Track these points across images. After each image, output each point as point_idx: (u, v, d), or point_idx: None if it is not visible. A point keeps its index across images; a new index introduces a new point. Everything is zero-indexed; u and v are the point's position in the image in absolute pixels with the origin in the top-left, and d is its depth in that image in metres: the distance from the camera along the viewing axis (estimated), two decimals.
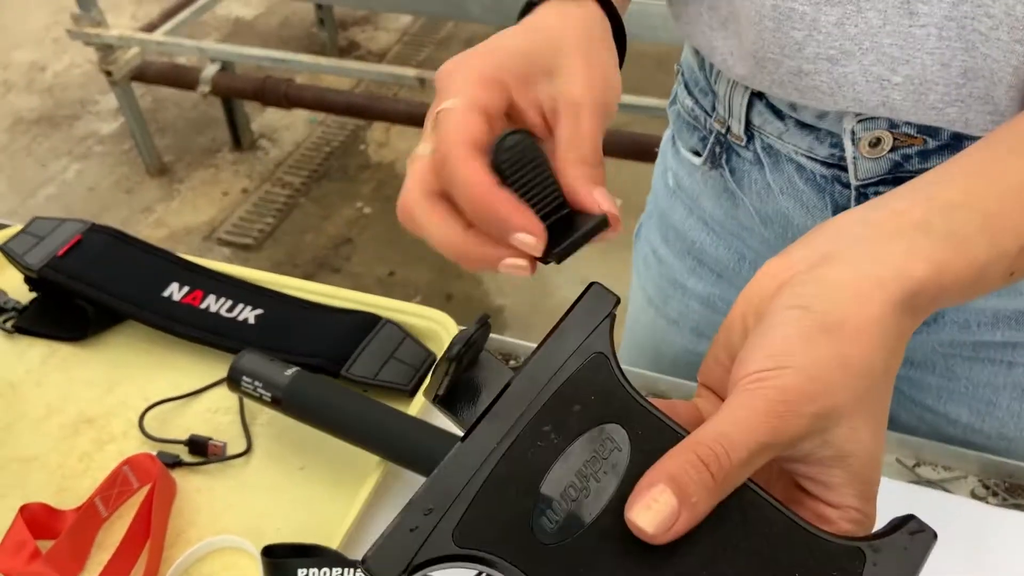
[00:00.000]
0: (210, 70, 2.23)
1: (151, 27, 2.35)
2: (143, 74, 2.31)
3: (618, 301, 0.34)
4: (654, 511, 0.27)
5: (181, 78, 2.31)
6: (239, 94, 2.32)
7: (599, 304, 0.34)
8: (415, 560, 0.28)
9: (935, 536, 0.30)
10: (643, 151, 2.01)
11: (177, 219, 2.32)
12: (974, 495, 0.57)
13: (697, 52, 0.57)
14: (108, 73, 2.23)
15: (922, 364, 0.60)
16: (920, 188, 0.34)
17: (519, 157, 0.34)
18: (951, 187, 0.33)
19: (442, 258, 0.39)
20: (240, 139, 2.54)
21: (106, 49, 2.21)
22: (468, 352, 0.32)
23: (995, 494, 0.57)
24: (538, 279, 2.09)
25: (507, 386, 0.32)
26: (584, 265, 2.16)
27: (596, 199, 0.35)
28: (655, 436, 0.30)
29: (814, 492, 0.31)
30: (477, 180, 0.33)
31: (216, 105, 2.53)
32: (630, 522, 0.28)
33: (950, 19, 0.42)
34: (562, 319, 0.33)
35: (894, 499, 0.55)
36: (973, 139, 0.47)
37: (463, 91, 0.36)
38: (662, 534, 0.27)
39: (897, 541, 0.29)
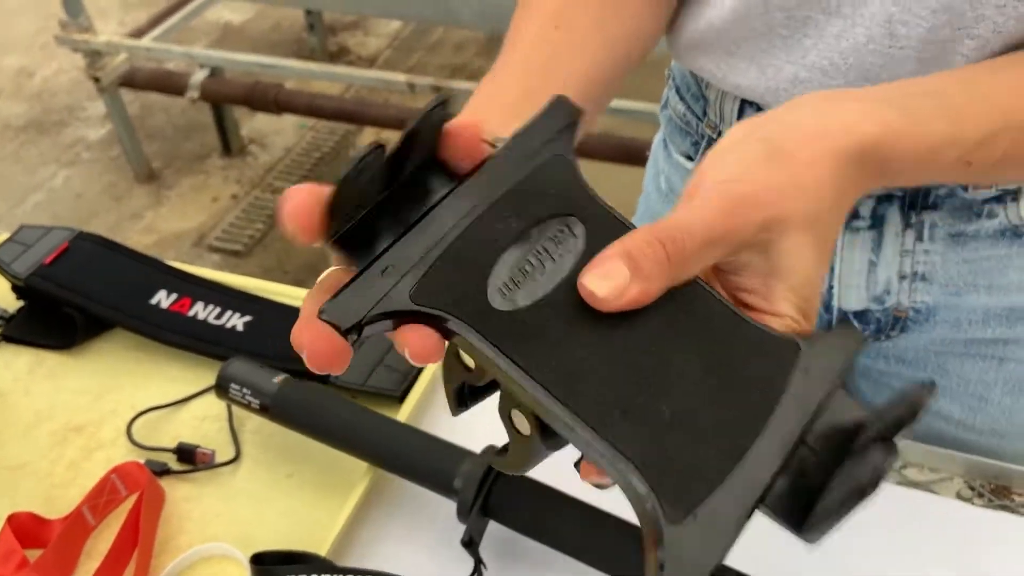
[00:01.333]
0: (199, 75, 2.23)
1: (139, 33, 2.34)
2: (131, 80, 2.30)
3: (581, 112, 0.34)
4: (607, 279, 0.28)
5: (170, 84, 2.30)
6: (229, 100, 2.31)
7: (560, 114, 0.34)
8: (372, 312, 0.29)
9: (864, 338, 0.33)
10: (632, 155, 2.01)
11: (166, 225, 2.31)
12: (960, 496, 0.57)
13: None
14: (96, 79, 2.22)
15: (914, 362, 0.61)
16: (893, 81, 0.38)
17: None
18: (922, 81, 0.37)
19: None
20: (229, 145, 2.53)
21: (94, 55, 2.21)
22: (363, 173, 0.30)
23: (980, 495, 0.57)
24: None
25: (469, 174, 0.32)
26: None
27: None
28: (612, 231, 0.31)
29: (755, 305, 0.32)
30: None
31: (205, 111, 2.52)
32: (582, 286, 0.29)
33: (930, 42, 0.42)
34: (522, 127, 0.33)
35: (880, 500, 0.56)
36: None
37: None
38: (612, 300, 0.28)
39: (830, 337, 0.31)
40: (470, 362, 0.31)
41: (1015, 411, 0.60)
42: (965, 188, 0.50)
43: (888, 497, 0.56)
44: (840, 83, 0.46)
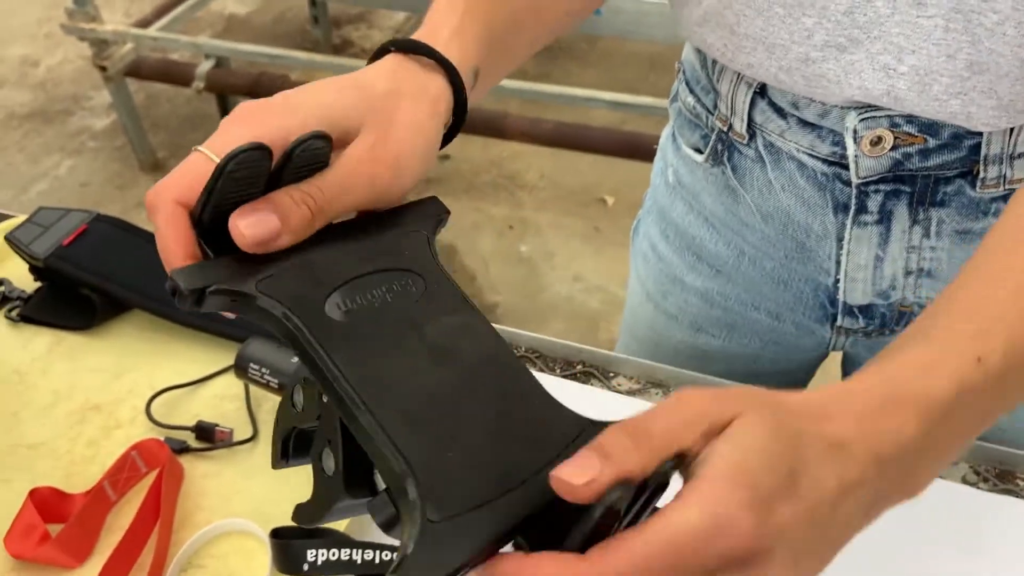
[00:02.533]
0: (205, 66, 2.24)
1: (145, 23, 2.35)
2: (137, 70, 2.31)
3: (448, 212, 0.40)
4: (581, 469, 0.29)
5: (176, 74, 2.31)
6: (234, 90, 2.32)
7: (434, 208, 0.40)
8: (217, 284, 0.33)
9: None
10: (636, 149, 2.02)
11: None
12: (965, 481, 0.58)
13: (699, 50, 0.58)
14: (103, 68, 2.23)
15: None
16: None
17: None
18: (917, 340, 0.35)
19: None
20: None
21: (100, 44, 2.21)
22: (242, 166, 0.33)
23: (986, 480, 0.58)
24: (532, 274, 2.10)
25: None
26: (576, 262, 2.17)
27: (249, 210, 0.34)
28: (448, 292, 0.36)
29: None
30: (161, 234, 0.35)
31: (209, 101, 2.52)
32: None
33: (957, 11, 0.43)
34: (401, 206, 0.39)
35: None
36: (973, 136, 0.48)
37: (224, 146, 0.34)
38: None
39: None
40: (299, 405, 0.36)
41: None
42: (973, 186, 0.51)
43: None
44: (860, 58, 0.46)
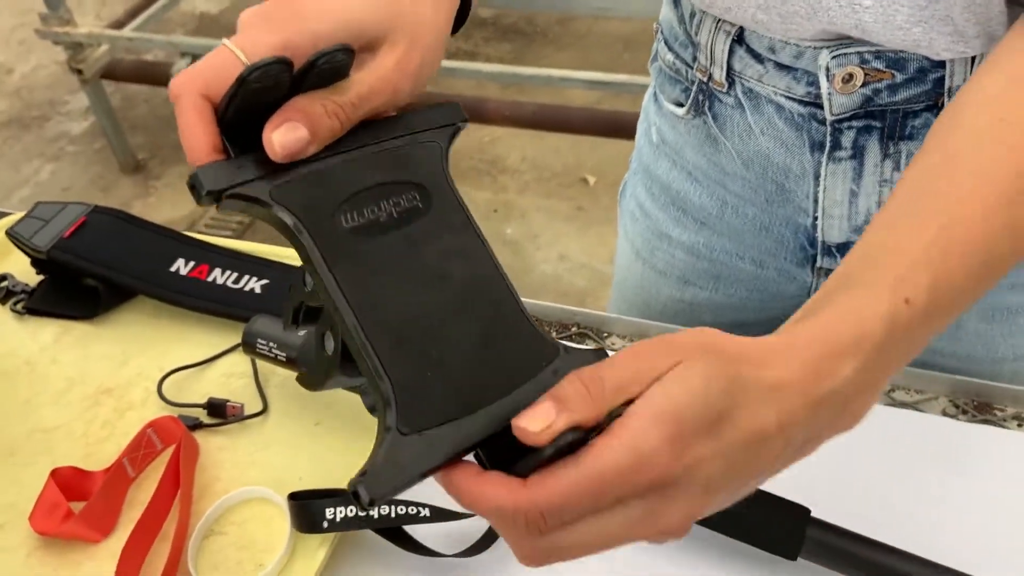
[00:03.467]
0: (181, 64, 2.24)
1: (118, 24, 2.35)
2: (114, 71, 2.31)
3: (467, 121, 0.41)
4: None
5: (152, 74, 2.31)
6: None
7: (453, 113, 0.41)
8: (234, 189, 0.35)
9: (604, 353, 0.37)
10: (615, 128, 2.05)
11: (155, 215, 2.32)
12: (945, 414, 0.61)
13: (676, 6, 0.61)
14: (79, 72, 2.23)
15: None
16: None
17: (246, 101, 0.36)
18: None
19: None
20: None
21: (75, 48, 2.21)
22: (263, 77, 0.34)
23: (964, 412, 0.61)
24: (518, 256, 2.13)
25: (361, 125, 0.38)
26: (561, 242, 2.19)
27: (280, 119, 0.36)
28: (453, 210, 0.38)
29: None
30: (188, 124, 0.36)
31: None
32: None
33: None
34: (418, 110, 0.40)
35: (873, 419, 0.59)
36: (937, 69, 0.51)
37: (251, 44, 0.36)
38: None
39: (587, 355, 0.37)
40: (310, 285, 0.37)
41: (990, 337, 0.64)
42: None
43: (878, 417, 0.60)
44: None
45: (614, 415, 0.33)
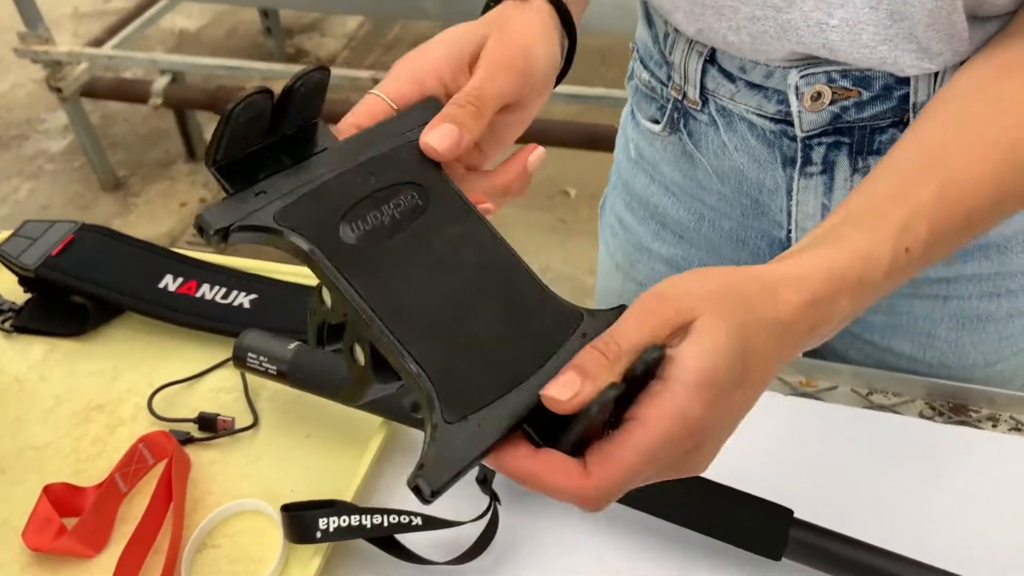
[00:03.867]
0: (161, 82, 2.24)
1: (97, 42, 2.34)
2: (93, 89, 2.30)
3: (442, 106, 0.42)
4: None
5: (132, 91, 2.31)
6: (192, 104, 2.32)
7: (431, 110, 0.42)
8: (240, 222, 0.36)
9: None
10: (595, 140, 2.07)
11: (136, 232, 2.28)
12: (922, 416, 0.63)
13: (650, 27, 0.63)
14: (58, 90, 2.22)
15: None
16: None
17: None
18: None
19: None
20: (194, 150, 2.54)
21: (54, 66, 2.20)
22: (247, 110, 0.36)
23: (941, 414, 0.63)
24: None
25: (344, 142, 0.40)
26: (544, 254, 2.21)
27: (430, 127, 0.41)
28: (453, 202, 0.39)
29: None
30: None
31: (167, 118, 2.52)
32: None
33: None
34: (396, 113, 0.42)
35: (852, 422, 0.61)
36: (902, 87, 0.53)
37: (387, 86, 0.43)
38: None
39: (606, 313, 0.38)
40: (328, 300, 0.38)
41: (960, 345, 0.66)
42: None
43: (858, 420, 0.62)
44: (795, 16, 0.50)
45: (647, 360, 0.34)
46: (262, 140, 0.38)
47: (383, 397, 0.60)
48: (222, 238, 0.35)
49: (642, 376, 0.34)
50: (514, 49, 0.44)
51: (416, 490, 0.32)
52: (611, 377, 0.34)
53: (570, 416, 0.34)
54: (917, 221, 0.40)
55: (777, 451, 0.60)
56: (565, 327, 0.37)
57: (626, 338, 0.34)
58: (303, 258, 0.36)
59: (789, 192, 0.60)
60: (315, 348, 0.40)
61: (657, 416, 0.34)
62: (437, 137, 0.40)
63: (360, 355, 0.37)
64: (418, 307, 0.36)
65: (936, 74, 0.52)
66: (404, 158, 0.40)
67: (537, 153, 0.45)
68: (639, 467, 0.34)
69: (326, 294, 0.38)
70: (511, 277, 0.38)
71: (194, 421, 0.65)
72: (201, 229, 0.35)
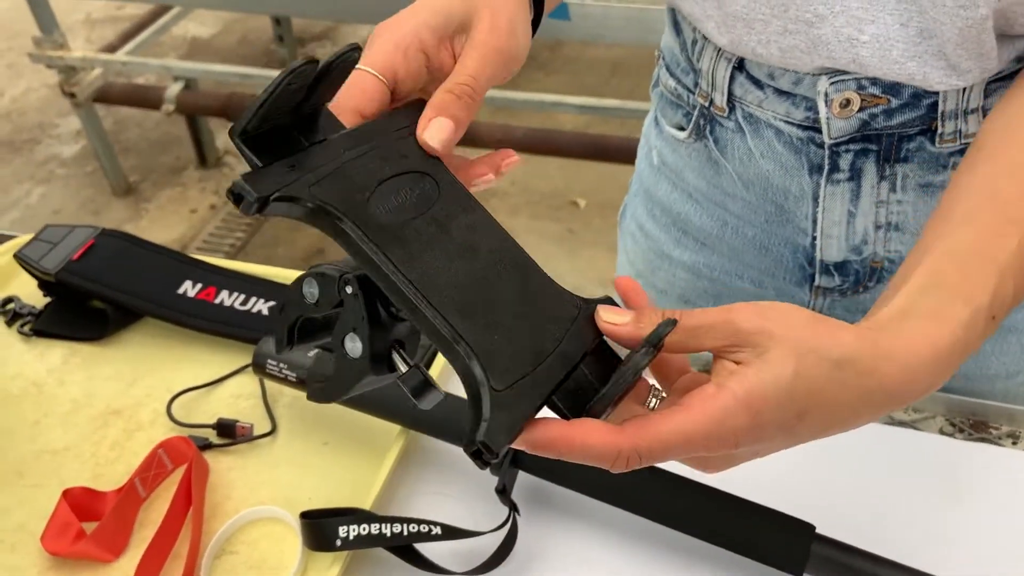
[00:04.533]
0: (174, 88, 2.25)
1: (111, 48, 2.36)
2: (106, 95, 2.31)
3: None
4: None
5: (145, 97, 2.32)
6: (205, 111, 2.33)
7: (421, 110, 0.42)
8: (281, 192, 0.36)
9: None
10: (604, 152, 2.07)
11: (147, 237, 2.31)
12: (942, 432, 0.63)
13: (678, 34, 0.63)
14: (71, 95, 2.23)
15: None
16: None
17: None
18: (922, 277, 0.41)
19: None
20: (205, 157, 2.55)
21: (68, 71, 2.22)
22: (297, 78, 0.36)
23: (961, 430, 0.63)
24: None
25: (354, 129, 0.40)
26: (552, 264, 2.21)
27: (425, 119, 0.41)
28: (459, 193, 0.41)
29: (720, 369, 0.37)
30: None
31: (178, 124, 2.54)
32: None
33: None
34: (406, 104, 0.43)
35: (873, 438, 0.61)
36: (931, 95, 0.53)
37: (372, 57, 0.43)
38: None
39: (600, 299, 0.40)
40: (312, 297, 0.39)
41: (982, 355, 0.66)
42: (933, 142, 0.56)
43: (877, 436, 0.62)
44: (826, 31, 0.51)
45: (664, 332, 0.36)
46: (287, 117, 0.38)
47: (404, 405, 0.61)
48: (260, 207, 0.35)
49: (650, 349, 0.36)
50: (504, 30, 0.44)
51: (483, 447, 0.33)
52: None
53: (595, 389, 0.37)
54: (1005, 284, 0.40)
55: (799, 466, 0.60)
56: (570, 310, 0.39)
57: (700, 322, 0.37)
58: (338, 234, 0.37)
59: (816, 199, 0.60)
60: (283, 349, 0.41)
61: (701, 409, 0.35)
62: (434, 132, 0.41)
63: (356, 346, 0.39)
64: (446, 284, 0.37)
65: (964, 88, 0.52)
66: (410, 150, 0.41)
67: (512, 161, 0.46)
68: (670, 445, 0.35)
69: (310, 288, 0.39)
70: (519, 264, 0.39)
71: (213, 427, 0.65)
72: (238, 197, 0.35)
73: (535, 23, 0.50)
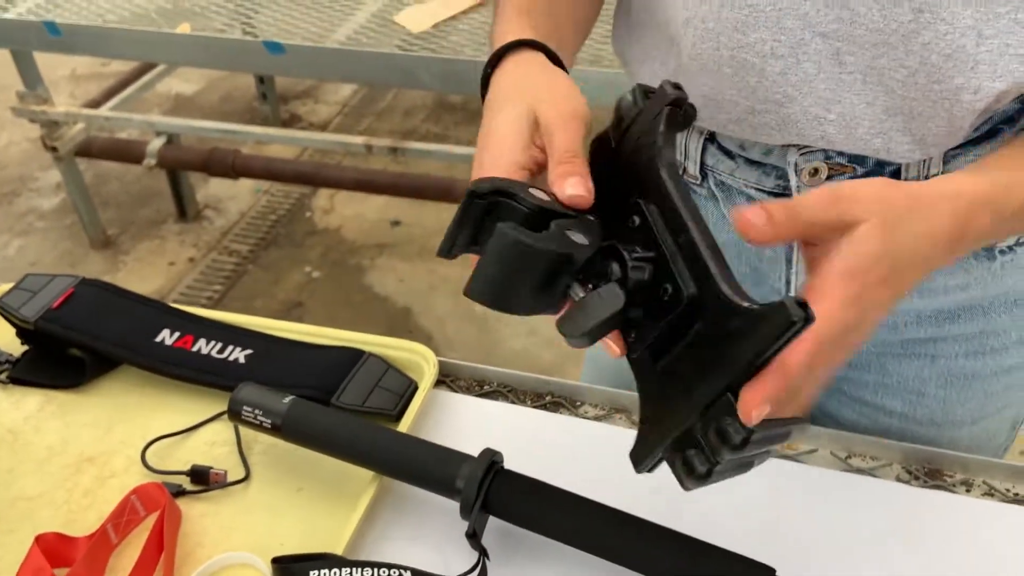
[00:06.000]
0: (156, 143, 2.28)
1: (94, 104, 2.39)
2: (88, 149, 2.34)
3: (680, 93, 0.46)
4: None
5: (127, 151, 2.34)
6: (186, 166, 2.36)
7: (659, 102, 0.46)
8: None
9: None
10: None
11: None
12: (899, 479, 0.65)
13: None
14: (53, 149, 2.25)
15: (859, 365, 0.69)
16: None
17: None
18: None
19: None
20: (185, 210, 2.57)
21: (51, 125, 2.24)
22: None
23: (917, 478, 0.65)
24: (486, 332, 2.16)
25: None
26: (530, 318, 2.22)
27: (561, 186, 0.46)
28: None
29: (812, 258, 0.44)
30: None
31: (159, 178, 2.56)
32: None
33: (872, 68, 0.51)
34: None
35: (830, 485, 0.63)
36: (894, 163, 0.56)
37: (505, 170, 0.48)
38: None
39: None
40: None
41: (948, 402, 0.68)
42: None
43: (836, 482, 0.64)
44: (795, 111, 0.54)
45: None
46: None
47: (377, 452, 0.62)
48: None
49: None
50: (561, 99, 0.49)
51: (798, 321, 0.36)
52: (785, 231, 0.42)
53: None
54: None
55: (759, 511, 0.62)
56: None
57: (808, 210, 0.42)
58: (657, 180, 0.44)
59: (789, 261, 0.63)
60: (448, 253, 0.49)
61: (828, 313, 0.40)
62: (573, 191, 0.46)
63: (579, 293, 0.45)
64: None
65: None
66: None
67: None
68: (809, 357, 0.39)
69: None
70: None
71: (186, 474, 0.65)
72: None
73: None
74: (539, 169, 0.49)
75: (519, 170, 0.48)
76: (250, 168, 2.27)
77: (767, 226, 0.41)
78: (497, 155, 0.48)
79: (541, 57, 0.54)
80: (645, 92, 0.46)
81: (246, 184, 2.64)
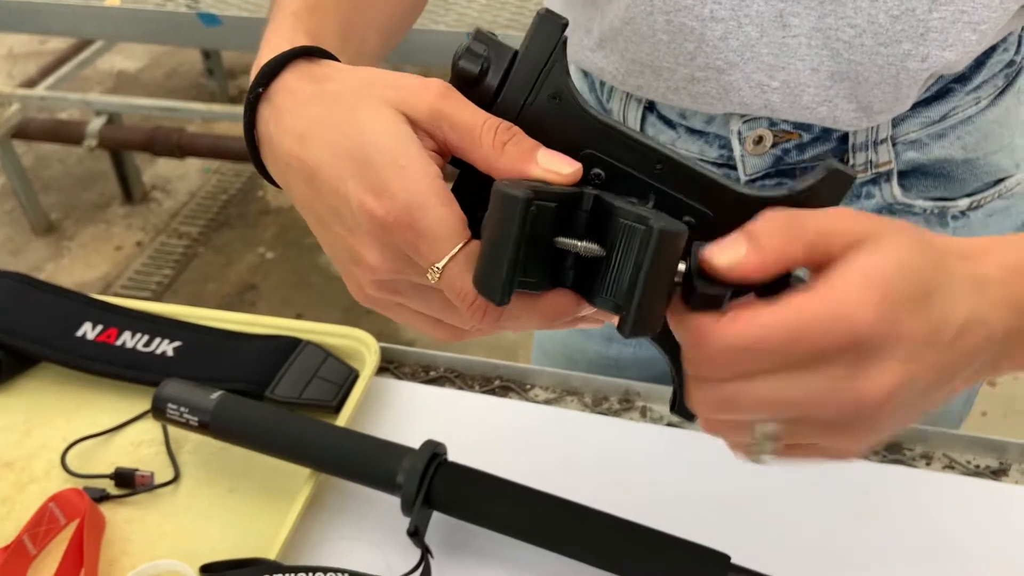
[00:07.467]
0: (96, 123, 2.19)
1: (31, 83, 2.29)
2: (25, 131, 2.24)
3: (566, 24, 0.37)
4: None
5: (66, 133, 2.25)
6: (128, 146, 2.28)
7: (549, 33, 0.37)
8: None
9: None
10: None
11: (68, 277, 2.24)
12: None
13: (586, 75, 0.63)
14: None
15: None
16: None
17: None
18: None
19: (349, 298, 0.41)
20: (131, 192, 2.48)
21: None
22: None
23: (876, 452, 0.63)
24: None
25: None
26: None
27: (530, 165, 0.38)
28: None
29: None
30: None
31: (103, 160, 2.47)
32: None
33: (817, 30, 0.48)
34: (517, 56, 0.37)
35: (789, 466, 0.61)
36: (839, 131, 0.53)
37: (426, 184, 0.36)
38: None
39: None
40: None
41: None
42: None
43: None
44: (737, 78, 0.51)
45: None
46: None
47: (312, 448, 0.58)
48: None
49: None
50: (407, 81, 0.38)
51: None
52: (782, 255, 0.31)
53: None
54: None
55: (712, 494, 0.59)
56: None
57: (814, 221, 0.32)
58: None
59: None
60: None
61: (809, 294, 0.30)
62: (567, 167, 0.37)
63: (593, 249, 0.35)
64: None
65: None
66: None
67: None
68: (774, 339, 0.30)
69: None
70: None
71: (110, 477, 0.61)
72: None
73: None
74: (442, 170, 0.37)
75: (436, 179, 0.36)
76: (196, 147, 2.19)
77: (754, 255, 0.31)
78: (403, 172, 0.35)
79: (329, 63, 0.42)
80: (488, 37, 0.37)
81: (194, 164, 2.56)
